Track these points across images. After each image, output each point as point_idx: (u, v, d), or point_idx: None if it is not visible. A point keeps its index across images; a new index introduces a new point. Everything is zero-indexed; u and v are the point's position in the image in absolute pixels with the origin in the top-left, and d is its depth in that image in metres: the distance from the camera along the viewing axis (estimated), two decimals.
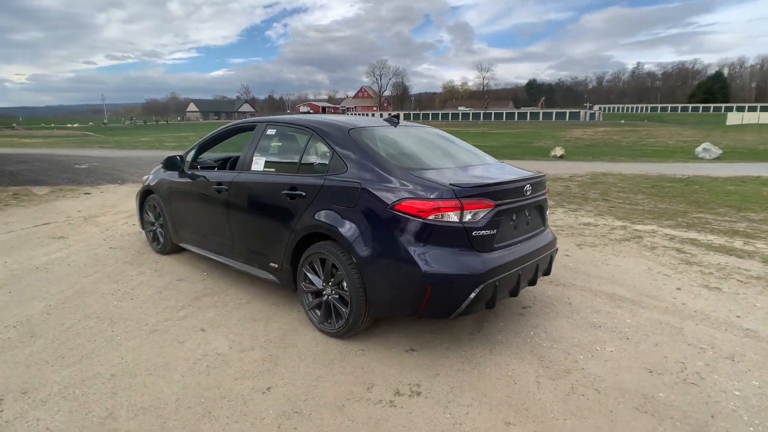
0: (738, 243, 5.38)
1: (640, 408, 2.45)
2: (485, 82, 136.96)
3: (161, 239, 4.94)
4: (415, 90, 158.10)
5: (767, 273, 4.40)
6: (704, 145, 17.56)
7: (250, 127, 4.02)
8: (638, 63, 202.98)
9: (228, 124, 4.39)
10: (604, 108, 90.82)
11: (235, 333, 3.27)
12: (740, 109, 61.44)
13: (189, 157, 4.47)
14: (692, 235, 5.76)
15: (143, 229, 5.30)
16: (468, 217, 2.71)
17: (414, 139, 3.68)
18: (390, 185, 2.85)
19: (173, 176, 4.58)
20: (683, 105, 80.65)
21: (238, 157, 4.67)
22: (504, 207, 2.88)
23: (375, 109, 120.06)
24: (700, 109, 75.10)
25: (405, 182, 2.82)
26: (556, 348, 3.06)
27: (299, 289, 3.35)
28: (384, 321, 3.39)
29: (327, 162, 3.23)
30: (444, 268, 2.66)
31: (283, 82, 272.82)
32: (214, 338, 3.19)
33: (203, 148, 4.55)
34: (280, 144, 3.83)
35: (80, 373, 2.74)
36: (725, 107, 72.27)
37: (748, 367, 2.82)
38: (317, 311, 3.26)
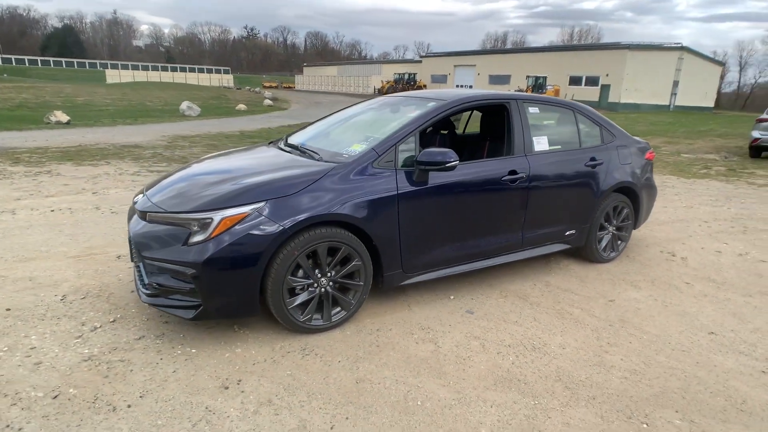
0: None
1: None
2: None
3: (354, 300, 2.88)
4: None
5: None
6: (186, 103, 21.21)
7: (492, 105, 3.58)
8: None
9: (455, 100, 3.33)
10: None
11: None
12: (103, 66, 65.20)
13: (409, 153, 3.05)
14: None
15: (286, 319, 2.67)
16: None
17: None
18: (634, 145, 4.39)
19: (402, 184, 2.93)
20: (39, 58, 73.00)
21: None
22: None
23: None
24: (64, 64, 71.60)
25: (635, 141, 4.44)
26: None
27: (594, 238, 4.05)
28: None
29: (599, 134, 4.05)
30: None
31: None
32: None
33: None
34: (550, 122, 3.83)
35: None
36: (88, 63, 73.32)
37: None
38: (608, 247, 4.17)
